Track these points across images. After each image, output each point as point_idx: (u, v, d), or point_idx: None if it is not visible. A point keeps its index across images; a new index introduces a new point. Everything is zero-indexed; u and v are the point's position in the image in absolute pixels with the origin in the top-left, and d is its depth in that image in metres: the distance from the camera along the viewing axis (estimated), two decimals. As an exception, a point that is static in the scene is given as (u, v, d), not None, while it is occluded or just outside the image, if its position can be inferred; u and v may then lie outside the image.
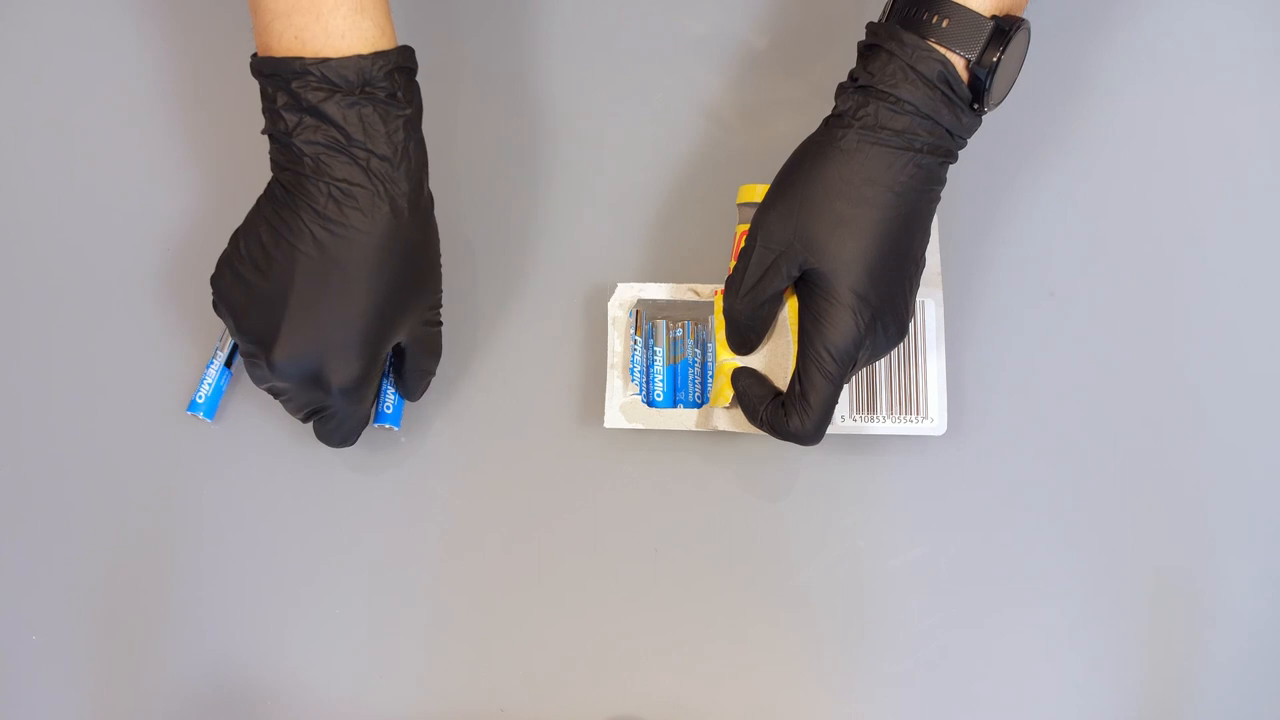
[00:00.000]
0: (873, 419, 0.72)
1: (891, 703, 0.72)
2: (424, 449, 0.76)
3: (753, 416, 0.68)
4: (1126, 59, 0.81)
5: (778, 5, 0.83)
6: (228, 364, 0.76)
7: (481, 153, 0.80)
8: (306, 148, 0.64)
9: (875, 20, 0.67)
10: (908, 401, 0.73)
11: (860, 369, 0.68)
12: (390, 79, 0.64)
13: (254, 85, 0.66)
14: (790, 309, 0.69)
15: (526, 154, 0.80)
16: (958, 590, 0.73)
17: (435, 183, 0.69)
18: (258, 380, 0.68)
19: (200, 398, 0.75)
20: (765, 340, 0.71)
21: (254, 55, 0.66)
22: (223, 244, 0.69)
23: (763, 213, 0.67)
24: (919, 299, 0.73)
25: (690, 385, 0.74)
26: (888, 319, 0.66)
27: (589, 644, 0.73)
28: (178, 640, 0.73)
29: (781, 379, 0.69)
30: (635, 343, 0.74)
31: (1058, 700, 0.72)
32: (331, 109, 0.63)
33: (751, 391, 0.69)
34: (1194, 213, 0.78)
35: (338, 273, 0.65)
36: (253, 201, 0.68)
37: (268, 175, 0.67)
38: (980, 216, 0.77)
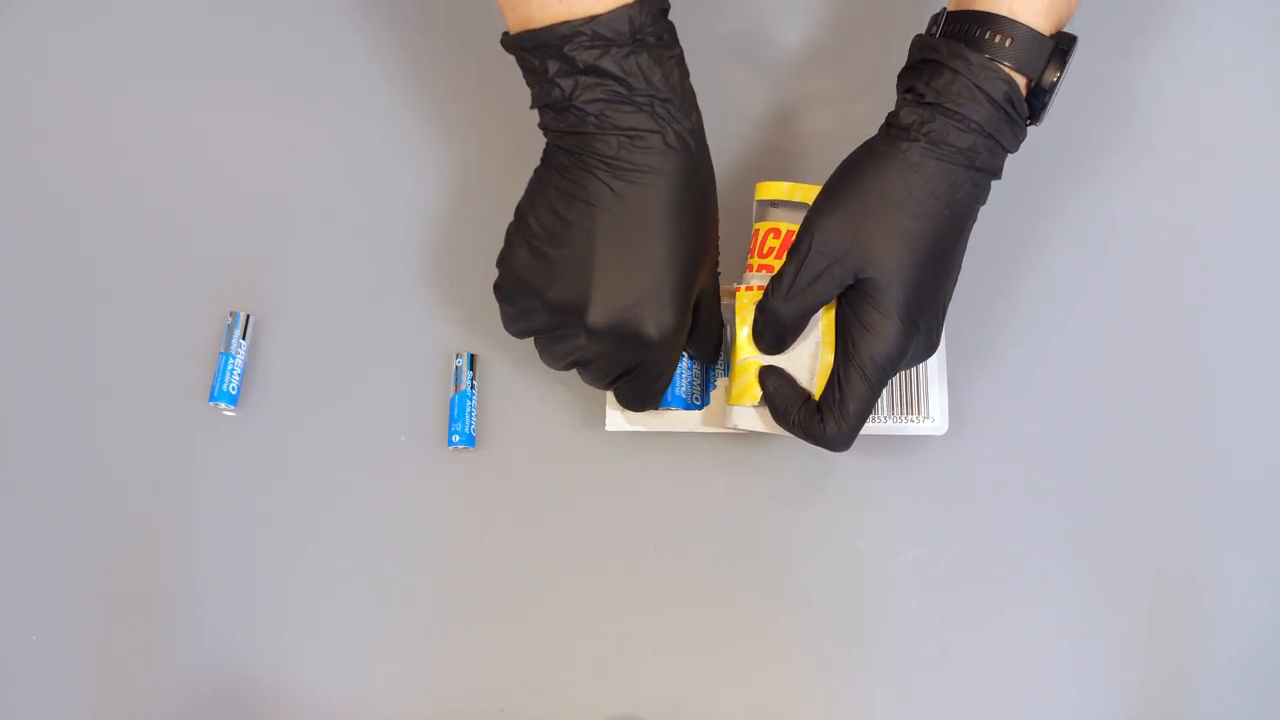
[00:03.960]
0: (874, 419, 0.72)
1: (891, 703, 0.72)
2: (424, 450, 0.76)
3: (783, 418, 0.68)
4: (1121, 59, 0.81)
5: (806, 1, 0.82)
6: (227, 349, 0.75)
7: (501, 152, 0.80)
8: (590, 106, 0.62)
9: (924, 33, 0.67)
10: (909, 401, 0.73)
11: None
12: (657, 23, 0.63)
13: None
14: (823, 311, 0.68)
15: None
16: (958, 590, 0.73)
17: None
18: (564, 355, 0.67)
19: (230, 388, 0.75)
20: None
21: (505, 34, 0.64)
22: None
23: (819, 217, 0.66)
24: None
25: (690, 386, 0.74)
26: (928, 334, 0.67)
27: (589, 644, 0.73)
28: (178, 640, 0.73)
29: (804, 380, 0.68)
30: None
31: (1058, 700, 0.72)
32: (608, 64, 0.62)
33: (782, 393, 0.68)
34: (1193, 212, 0.78)
35: (640, 221, 0.64)
36: None
37: None
38: (980, 217, 0.77)
